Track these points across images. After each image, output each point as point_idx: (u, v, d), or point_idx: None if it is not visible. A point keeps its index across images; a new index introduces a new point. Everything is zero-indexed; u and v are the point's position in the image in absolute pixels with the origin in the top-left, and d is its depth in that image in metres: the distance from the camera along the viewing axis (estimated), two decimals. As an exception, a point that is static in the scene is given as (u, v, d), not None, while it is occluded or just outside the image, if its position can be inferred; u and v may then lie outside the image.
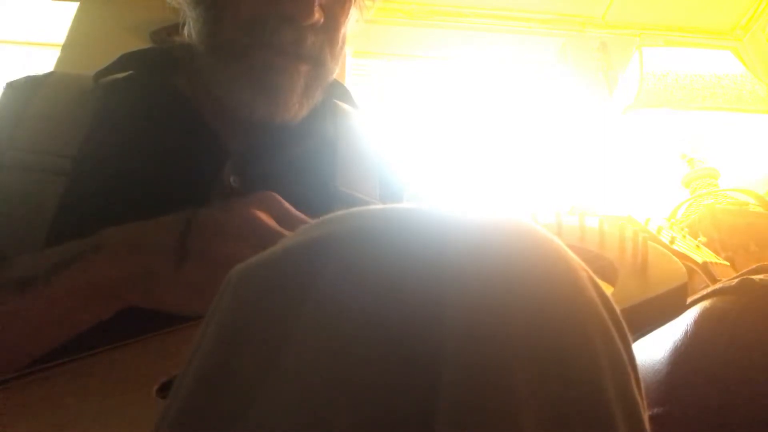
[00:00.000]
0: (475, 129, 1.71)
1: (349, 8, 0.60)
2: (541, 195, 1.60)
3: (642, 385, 0.22)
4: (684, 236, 0.82)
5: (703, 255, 0.75)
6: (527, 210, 0.45)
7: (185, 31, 0.61)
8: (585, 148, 1.56)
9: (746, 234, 0.98)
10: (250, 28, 0.54)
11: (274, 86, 0.55)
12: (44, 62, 1.71)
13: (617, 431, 0.18)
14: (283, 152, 0.59)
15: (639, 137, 1.34)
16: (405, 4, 1.80)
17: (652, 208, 1.21)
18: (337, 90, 0.69)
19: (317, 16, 0.54)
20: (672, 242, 0.73)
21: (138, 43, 1.29)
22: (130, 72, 0.62)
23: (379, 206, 0.22)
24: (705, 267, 0.71)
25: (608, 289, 0.33)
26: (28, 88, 0.59)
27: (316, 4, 0.54)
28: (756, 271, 0.51)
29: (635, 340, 0.28)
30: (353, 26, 0.64)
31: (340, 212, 0.22)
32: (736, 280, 0.50)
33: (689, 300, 0.51)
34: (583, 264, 0.22)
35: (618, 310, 0.22)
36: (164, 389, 0.31)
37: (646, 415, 0.21)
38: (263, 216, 0.41)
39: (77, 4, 1.64)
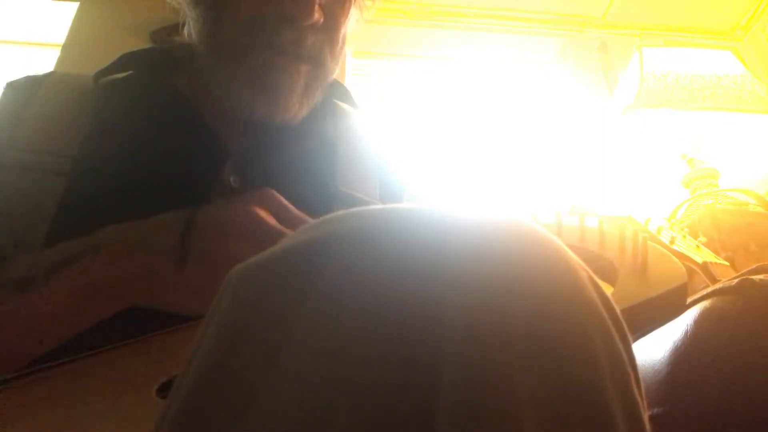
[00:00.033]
0: (475, 129, 1.71)
1: (349, 8, 0.60)
2: (541, 195, 1.59)
3: (642, 385, 0.22)
4: (684, 236, 0.82)
5: (703, 255, 0.75)
6: (527, 210, 0.45)
7: (185, 31, 0.61)
8: (585, 148, 1.56)
9: (746, 234, 0.98)
10: (250, 28, 0.54)
11: (274, 86, 0.55)
12: (44, 62, 1.71)
13: (617, 431, 0.18)
14: (283, 152, 0.59)
15: (639, 137, 1.34)
16: (405, 4, 1.80)
17: (652, 208, 1.21)
18: (337, 90, 0.69)
19: (317, 16, 0.54)
20: (672, 242, 0.73)
21: (138, 43, 1.29)
22: (130, 72, 0.62)
23: (379, 206, 0.22)
24: (705, 267, 0.71)
25: (608, 289, 0.33)
26: (28, 88, 0.59)
27: (316, 4, 0.54)
28: (756, 271, 0.51)
29: (635, 340, 0.28)
30: (353, 26, 0.64)
31: (340, 212, 0.22)
32: (736, 280, 0.50)
33: (689, 300, 0.51)
34: (583, 264, 0.22)
35: (618, 310, 0.22)
36: (164, 389, 0.31)
37: (646, 415, 0.21)
38: (263, 214, 0.41)
39: (77, 4, 1.64)
